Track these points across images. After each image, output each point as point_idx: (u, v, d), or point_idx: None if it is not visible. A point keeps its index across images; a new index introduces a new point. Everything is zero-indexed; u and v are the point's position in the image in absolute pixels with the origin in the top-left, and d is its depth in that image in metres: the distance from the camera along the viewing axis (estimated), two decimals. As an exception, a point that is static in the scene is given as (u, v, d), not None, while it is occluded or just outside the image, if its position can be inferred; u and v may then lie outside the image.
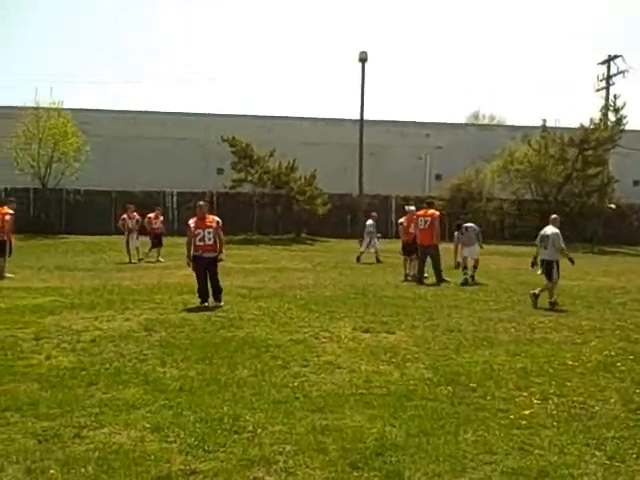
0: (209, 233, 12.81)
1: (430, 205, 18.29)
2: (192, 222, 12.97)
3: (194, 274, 13.00)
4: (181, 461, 5.03)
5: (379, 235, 24.98)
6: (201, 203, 13.63)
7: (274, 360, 8.35)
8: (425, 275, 17.71)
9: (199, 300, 12.71)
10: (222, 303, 12.65)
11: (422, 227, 17.54)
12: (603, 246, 35.64)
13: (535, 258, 14.41)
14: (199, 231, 12.83)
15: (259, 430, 5.71)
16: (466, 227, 17.81)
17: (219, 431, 5.67)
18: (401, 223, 19.76)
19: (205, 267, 12.81)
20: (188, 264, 13.19)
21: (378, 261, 23.78)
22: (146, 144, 42.99)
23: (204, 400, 6.56)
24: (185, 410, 6.20)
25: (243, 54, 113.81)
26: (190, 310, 11.95)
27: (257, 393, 6.85)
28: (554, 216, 14.90)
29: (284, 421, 5.97)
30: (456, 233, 17.84)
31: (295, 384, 7.25)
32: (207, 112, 45.79)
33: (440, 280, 17.07)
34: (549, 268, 13.88)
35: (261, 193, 38.26)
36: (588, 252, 33.42)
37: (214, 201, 39.16)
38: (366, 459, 5.13)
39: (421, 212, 17.93)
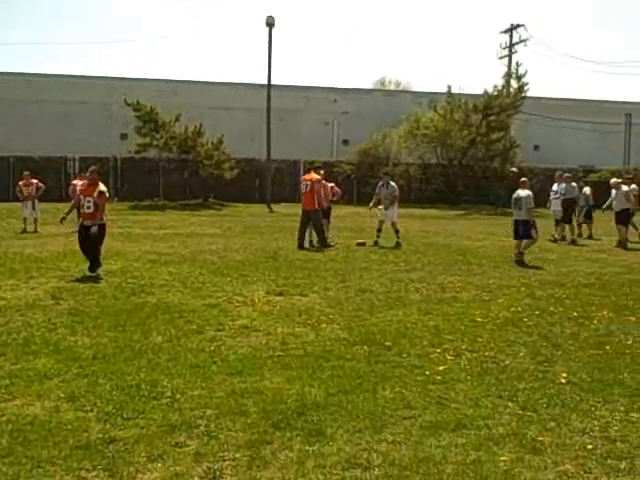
0: (89, 202, 12.15)
1: (315, 169, 17.91)
2: (80, 184, 12.33)
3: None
4: (99, 429, 4.91)
5: None
6: (92, 168, 13.06)
7: (189, 325, 8.25)
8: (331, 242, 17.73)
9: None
10: (95, 274, 11.80)
11: (304, 191, 17.20)
12: (506, 208, 36.65)
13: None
14: (81, 198, 12.36)
15: (178, 395, 5.64)
16: (388, 182, 18.01)
17: (137, 398, 5.56)
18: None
19: (84, 236, 12.21)
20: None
21: None
22: (46, 108, 41.30)
23: (119, 367, 6.41)
24: (100, 378, 6.06)
25: (149, 17, 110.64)
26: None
27: (173, 359, 6.76)
28: (523, 179, 15.65)
29: (203, 385, 5.91)
30: (380, 183, 18.12)
31: (212, 348, 7.18)
32: (109, 75, 44.44)
33: (324, 245, 16.71)
34: (527, 227, 14.63)
35: (167, 158, 37.46)
36: (492, 214, 34.40)
37: (118, 166, 38.29)
38: (287, 419, 5.14)
39: (305, 176, 17.78)
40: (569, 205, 19.39)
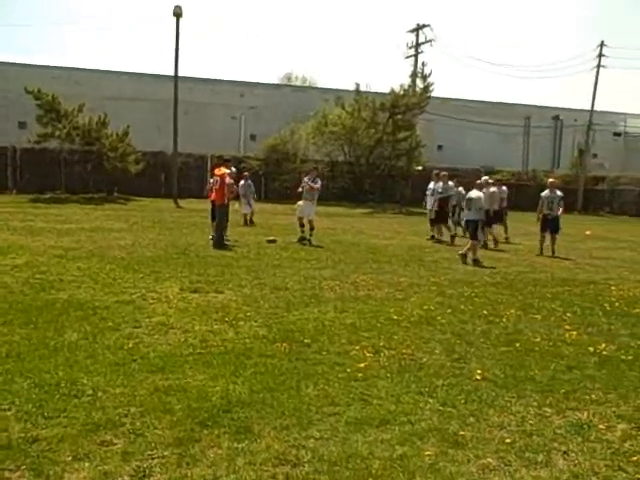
0: None
1: (225, 163, 17.80)
2: None
3: None
4: (20, 429, 4.78)
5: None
6: None
7: (104, 322, 8.09)
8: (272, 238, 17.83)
9: None
10: None
11: (215, 186, 17.01)
12: (411, 207, 37.48)
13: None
14: None
15: (100, 393, 5.55)
16: (315, 177, 18.19)
17: (57, 396, 5.44)
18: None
19: None
20: None
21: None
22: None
23: (35, 365, 6.24)
24: (16, 376, 5.88)
25: (57, 5, 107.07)
26: (3, 272, 11.22)
27: (91, 356, 6.62)
28: (479, 181, 16.73)
29: (125, 383, 5.84)
30: (307, 177, 18.37)
31: (130, 346, 7.08)
32: (7, 61, 42.74)
33: (220, 243, 16.22)
34: (475, 227, 15.13)
35: (69, 149, 36.28)
36: (397, 213, 35.08)
37: (16, 157, 36.91)
38: (214, 417, 5.15)
39: (216, 171, 17.44)
40: (445, 204, 19.62)
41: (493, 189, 19.08)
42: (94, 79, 42.04)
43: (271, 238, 17.91)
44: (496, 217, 18.93)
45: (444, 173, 20.40)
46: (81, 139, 35.65)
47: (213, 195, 16.98)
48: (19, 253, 13.53)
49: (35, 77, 37.36)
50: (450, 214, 20.21)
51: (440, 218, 19.70)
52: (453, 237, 19.46)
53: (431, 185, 20.41)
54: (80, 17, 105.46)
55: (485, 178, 19.47)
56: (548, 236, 17.58)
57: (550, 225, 17.57)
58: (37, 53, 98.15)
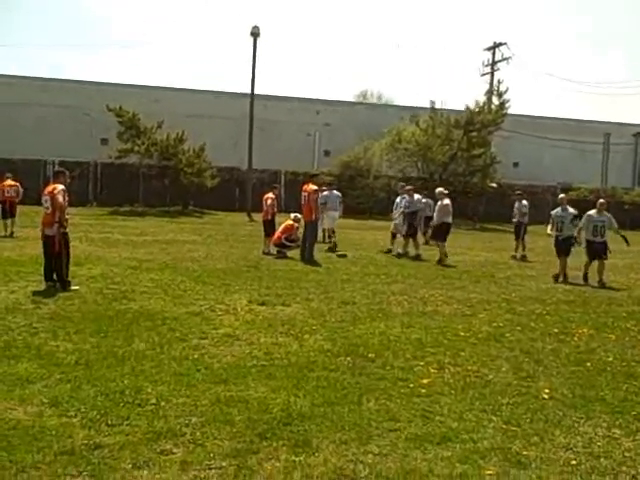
0: (45, 202, 11.25)
1: (312, 178, 17.78)
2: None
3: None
4: (84, 435, 4.87)
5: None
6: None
7: (171, 333, 8.21)
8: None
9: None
10: (66, 292, 10.69)
11: (302, 202, 16.95)
12: (484, 223, 37.00)
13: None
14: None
15: (163, 403, 5.62)
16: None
17: (121, 404, 5.53)
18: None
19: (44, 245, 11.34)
20: None
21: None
22: (26, 111, 41.02)
23: (102, 373, 6.37)
24: (83, 384, 6.01)
25: (131, 22, 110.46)
26: (79, 282, 11.52)
27: (157, 366, 6.72)
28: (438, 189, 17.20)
29: (187, 393, 5.89)
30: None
31: (195, 356, 7.16)
32: (91, 80, 44.23)
33: (310, 259, 16.20)
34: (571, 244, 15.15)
35: (148, 165, 37.29)
36: (471, 229, 34.67)
37: (98, 171, 38.10)
38: (273, 429, 5.14)
39: (305, 186, 17.19)
40: (413, 219, 18.62)
41: (447, 201, 17.70)
42: (174, 97, 43.03)
43: (341, 252, 17.92)
44: (441, 232, 17.66)
45: (409, 187, 19.54)
46: (159, 155, 36.63)
47: (305, 211, 16.91)
48: (95, 264, 13.92)
49: (116, 95, 38.51)
50: (421, 227, 19.59)
51: (408, 232, 18.58)
52: (419, 254, 18.34)
53: (397, 200, 19.57)
54: (155, 36, 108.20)
55: (440, 189, 18.42)
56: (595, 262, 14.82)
57: (597, 250, 14.71)
58: (113, 72, 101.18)
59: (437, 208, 17.90)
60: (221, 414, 5.41)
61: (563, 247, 15.17)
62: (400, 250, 18.71)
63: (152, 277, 12.57)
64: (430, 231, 19.86)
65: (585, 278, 14.65)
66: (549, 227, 15.80)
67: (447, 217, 17.66)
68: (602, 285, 14.13)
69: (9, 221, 20.60)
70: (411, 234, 18.65)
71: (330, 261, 16.50)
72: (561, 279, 14.79)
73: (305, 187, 17.06)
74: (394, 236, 19.58)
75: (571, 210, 15.45)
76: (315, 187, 16.99)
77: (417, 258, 18.05)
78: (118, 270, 13.20)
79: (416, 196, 19.24)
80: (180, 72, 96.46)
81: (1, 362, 6.65)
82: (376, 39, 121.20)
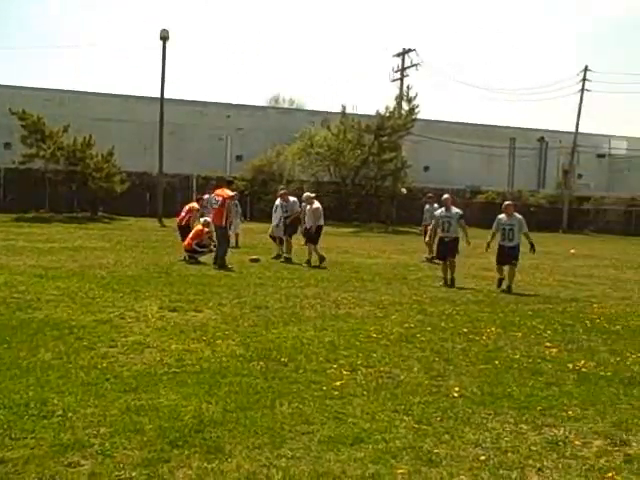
0: None
1: (228, 184, 17.56)
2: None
3: None
4: (-15, 450, 4.68)
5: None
6: None
7: (79, 342, 7.97)
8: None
9: None
10: None
11: (215, 206, 16.93)
12: (396, 226, 37.57)
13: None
14: None
15: (70, 414, 5.44)
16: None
17: (26, 417, 5.32)
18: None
19: None
20: None
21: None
22: None
23: (6, 386, 6.12)
24: (-15, 397, 5.77)
25: (42, 26, 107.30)
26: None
27: (64, 376, 6.51)
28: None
29: (96, 403, 5.73)
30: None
31: (104, 365, 6.97)
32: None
33: (222, 265, 16.01)
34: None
35: (54, 170, 36.23)
36: (383, 232, 35.20)
37: (0, 177, 36.83)
38: (185, 437, 5.05)
39: (218, 191, 17.11)
40: (296, 222, 18.60)
41: (316, 204, 17.87)
42: (80, 101, 42.18)
43: (255, 257, 17.85)
44: (316, 235, 17.71)
45: (284, 191, 19.57)
46: (66, 159, 35.69)
47: (211, 216, 16.74)
48: (-2, 273, 13.40)
49: (20, 98, 37.34)
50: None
51: (286, 232, 18.50)
52: (289, 257, 18.28)
53: (277, 202, 19.37)
54: (64, 40, 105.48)
55: (307, 194, 18.56)
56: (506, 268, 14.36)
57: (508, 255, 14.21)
58: (20, 76, 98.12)
59: (308, 213, 17.76)
60: (131, 423, 5.28)
61: (447, 249, 14.62)
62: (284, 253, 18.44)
63: (59, 285, 12.19)
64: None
65: (500, 283, 14.16)
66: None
67: (320, 220, 17.72)
68: (509, 291, 13.72)
69: None
70: (289, 234, 18.53)
71: (243, 266, 16.40)
72: (441, 283, 14.41)
73: (219, 192, 16.87)
74: (275, 239, 19.21)
75: (456, 210, 15.13)
76: (232, 193, 16.86)
77: (287, 260, 17.96)
78: (23, 278, 12.75)
79: (291, 199, 19.00)
80: (88, 76, 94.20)
81: None
82: (288, 41, 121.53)
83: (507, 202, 15.28)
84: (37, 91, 41.68)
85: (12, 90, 40.91)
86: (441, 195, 16.38)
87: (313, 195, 18.46)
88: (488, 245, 14.55)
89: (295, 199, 19.04)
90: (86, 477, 4.35)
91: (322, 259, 17.31)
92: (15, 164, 35.13)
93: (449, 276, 14.39)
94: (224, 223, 16.29)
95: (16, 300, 10.51)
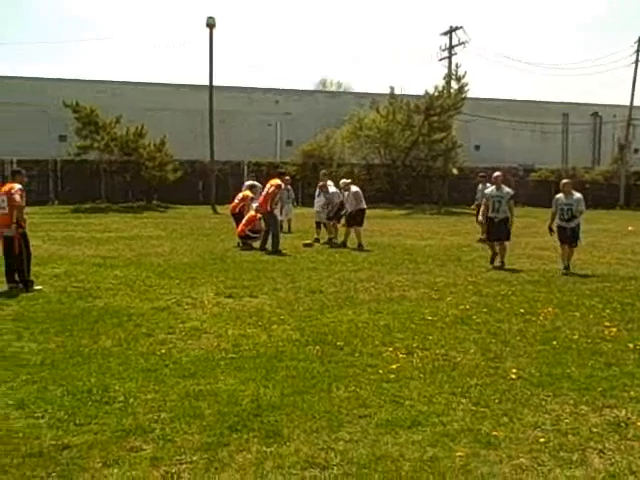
0: (2, 202, 10.98)
1: (280, 175, 18.08)
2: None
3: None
4: (52, 436, 4.81)
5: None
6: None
7: (138, 329, 8.13)
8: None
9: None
10: (30, 292, 10.55)
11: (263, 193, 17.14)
12: (449, 207, 37.24)
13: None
14: None
15: (131, 400, 5.56)
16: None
17: (89, 403, 5.46)
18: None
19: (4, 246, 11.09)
20: None
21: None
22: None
23: (69, 373, 6.29)
24: (50, 384, 5.93)
25: (87, 18, 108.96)
26: (43, 282, 11.35)
27: (124, 363, 6.66)
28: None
29: (156, 389, 5.84)
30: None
31: (163, 351, 7.10)
32: (46, 76, 43.51)
33: (276, 250, 16.21)
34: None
35: (108, 160, 36.87)
36: (435, 213, 34.92)
37: (57, 169, 37.63)
38: (244, 421, 5.12)
39: (271, 181, 17.15)
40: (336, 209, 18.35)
41: (355, 189, 17.76)
42: (131, 91, 42.55)
43: (308, 242, 17.91)
44: (360, 218, 17.66)
45: (322, 183, 18.89)
46: (119, 150, 36.23)
47: (260, 202, 16.95)
48: (58, 263, 13.74)
49: (73, 91, 37.94)
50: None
51: (354, 222, 17.86)
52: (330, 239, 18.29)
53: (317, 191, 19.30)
54: (112, 30, 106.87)
55: (343, 181, 18.39)
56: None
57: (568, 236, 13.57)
58: (71, 69, 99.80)
59: (349, 198, 17.64)
60: (190, 408, 5.37)
61: (498, 230, 13.97)
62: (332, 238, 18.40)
63: (117, 274, 12.44)
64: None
65: (567, 267, 13.41)
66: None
67: (361, 203, 17.65)
68: (567, 271, 13.20)
69: None
70: (337, 219, 18.43)
71: (296, 251, 16.48)
72: (497, 263, 13.90)
73: (271, 182, 17.04)
74: (319, 225, 19.25)
75: (507, 189, 14.42)
76: (278, 182, 16.99)
77: (338, 245, 17.82)
78: (82, 268, 13.04)
79: (331, 190, 18.60)
80: (138, 66, 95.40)
81: (-36, 366, 6.53)
82: (333, 26, 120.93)
83: (565, 180, 14.50)
84: (89, 83, 42.26)
85: (65, 83, 41.59)
86: (490, 174, 15.95)
87: (349, 181, 18.46)
88: (550, 229, 13.90)
89: (335, 190, 18.64)
90: (148, 461, 4.44)
91: (360, 246, 17.23)
92: (71, 156, 35.84)
93: (499, 260, 13.94)
94: (269, 208, 16.47)
95: (76, 289, 10.76)
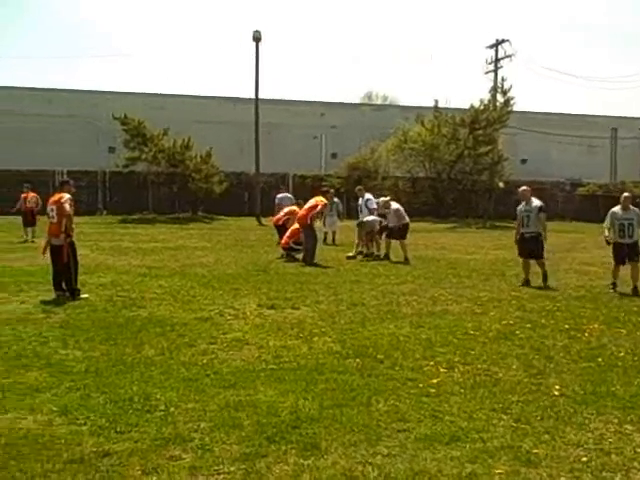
0: (51, 211, 11.29)
1: (324, 193, 18.03)
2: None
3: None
4: (93, 443, 4.88)
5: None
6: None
7: (180, 338, 8.22)
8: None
9: None
10: (76, 300, 10.73)
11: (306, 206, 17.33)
12: (494, 221, 36.87)
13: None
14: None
15: (172, 409, 5.62)
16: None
17: (130, 411, 5.53)
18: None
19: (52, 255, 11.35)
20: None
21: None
22: (33, 121, 41.10)
23: (112, 381, 6.38)
24: (93, 392, 6.02)
25: (133, 31, 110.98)
26: (89, 290, 11.54)
27: (166, 372, 6.73)
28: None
29: (196, 399, 5.89)
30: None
31: (204, 361, 7.16)
32: (96, 89, 44.41)
33: (311, 261, 16.32)
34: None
35: (156, 172, 37.45)
36: (481, 227, 34.63)
37: (106, 180, 38.35)
38: (282, 432, 5.12)
39: (316, 198, 17.42)
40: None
41: (396, 206, 17.85)
42: (178, 104, 43.14)
43: (351, 254, 17.90)
44: (403, 232, 17.55)
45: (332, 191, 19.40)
46: (166, 162, 36.75)
47: (302, 214, 17.07)
48: (105, 272, 13.98)
49: (122, 103, 38.65)
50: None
51: (398, 236, 17.77)
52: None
53: (360, 201, 19.29)
54: (158, 44, 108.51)
55: (382, 199, 18.59)
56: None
57: (627, 253, 12.85)
58: (117, 82, 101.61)
59: (391, 216, 17.65)
60: (230, 418, 5.40)
61: (529, 247, 13.45)
62: (372, 251, 18.36)
63: (161, 284, 12.60)
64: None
65: (614, 285, 12.80)
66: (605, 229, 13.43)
67: (404, 219, 17.72)
68: (636, 292, 12.35)
69: (29, 229, 22.32)
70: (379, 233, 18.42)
71: (340, 263, 16.49)
72: (521, 283, 13.30)
73: (316, 198, 17.25)
74: (361, 239, 18.77)
75: (536, 203, 13.52)
76: (326, 201, 17.54)
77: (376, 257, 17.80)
78: (128, 277, 13.24)
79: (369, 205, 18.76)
80: (184, 79, 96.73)
81: (11, 372, 6.66)
82: (380, 39, 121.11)
83: (626, 194, 13.69)
84: (138, 96, 43.01)
85: (114, 96, 42.42)
86: (536, 189, 15.66)
87: (388, 198, 18.76)
88: (607, 241, 13.22)
89: (374, 218, 18.32)
90: (186, 470, 4.47)
91: (386, 256, 17.43)
92: (119, 167, 36.52)
93: (543, 278, 13.28)
94: (308, 221, 16.59)
95: (122, 298, 10.92)
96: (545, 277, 13.36)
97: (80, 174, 34.83)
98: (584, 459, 4.73)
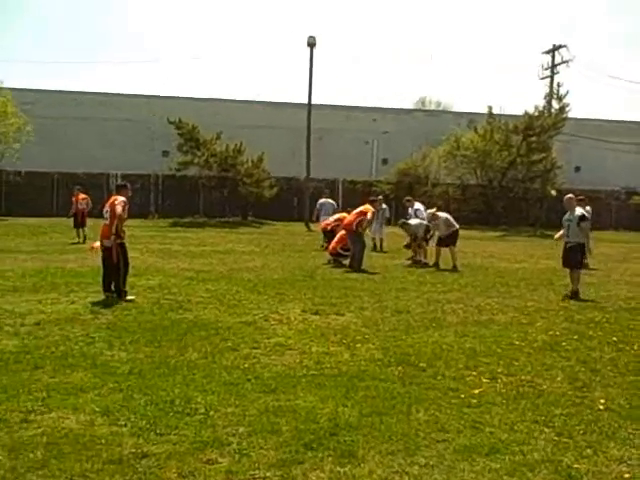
0: (106, 213, 11.54)
1: (372, 202, 17.98)
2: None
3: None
4: (132, 444, 4.94)
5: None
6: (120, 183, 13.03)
7: (224, 342, 8.28)
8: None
9: None
10: (124, 302, 10.90)
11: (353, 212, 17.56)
12: (546, 230, 36.31)
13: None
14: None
15: (211, 412, 5.66)
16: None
17: (170, 414, 5.59)
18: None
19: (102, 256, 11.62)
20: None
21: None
22: (89, 125, 42.04)
23: (154, 383, 6.46)
24: (135, 393, 6.11)
25: (188, 36, 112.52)
26: (137, 293, 11.73)
27: (208, 375, 6.78)
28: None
29: (236, 403, 5.92)
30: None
31: (246, 366, 7.20)
32: (151, 94, 45.10)
33: (358, 268, 16.36)
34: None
35: (208, 176, 37.92)
36: (531, 235, 34.14)
37: (159, 183, 38.94)
38: (320, 439, 5.12)
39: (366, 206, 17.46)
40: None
41: (443, 215, 17.90)
42: (231, 109, 43.55)
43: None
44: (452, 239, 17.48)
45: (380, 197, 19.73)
46: (218, 166, 37.18)
47: (349, 220, 17.15)
48: (154, 275, 14.17)
49: (176, 108, 39.16)
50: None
51: (448, 243, 17.62)
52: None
53: (410, 210, 19.60)
54: (212, 50, 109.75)
55: (429, 211, 18.56)
56: None
57: None
58: (173, 85, 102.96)
59: (441, 227, 17.60)
60: (268, 424, 5.42)
61: (568, 256, 13.16)
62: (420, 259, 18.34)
63: (208, 287, 12.72)
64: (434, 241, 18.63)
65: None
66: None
67: (453, 227, 17.63)
68: None
69: (81, 230, 22.98)
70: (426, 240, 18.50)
71: (386, 269, 16.43)
72: (567, 292, 12.80)
73: (366, 205, 17.25)
74: (409, 246, 18.92)
75: (579, 211, 13.17)
76: (374, 210, 17.68)
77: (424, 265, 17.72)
78: (175, 281, 13.40)
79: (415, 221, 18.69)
80: (238, 84, 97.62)
81: (58, 371, 6.80)
82: (433, 45, 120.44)
83: None
84: (192, 100, 43.57)
85: (169, 100, 43.01)
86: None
87: (434, 210, 18.72)
88: None
89: (418, 222, 18.44)
90: (223, 475, 4.50)
91: (435, 265, 17.25)
92: (172, 171, 37.05)
93: (571, 288, 12.83)
94: (354, 227, 16.64)
95: (168, 301, 11.06)
96: (575, 293, 12.73)
97: (135, 177, 35.42)
98: (627, 475, 4.62)
